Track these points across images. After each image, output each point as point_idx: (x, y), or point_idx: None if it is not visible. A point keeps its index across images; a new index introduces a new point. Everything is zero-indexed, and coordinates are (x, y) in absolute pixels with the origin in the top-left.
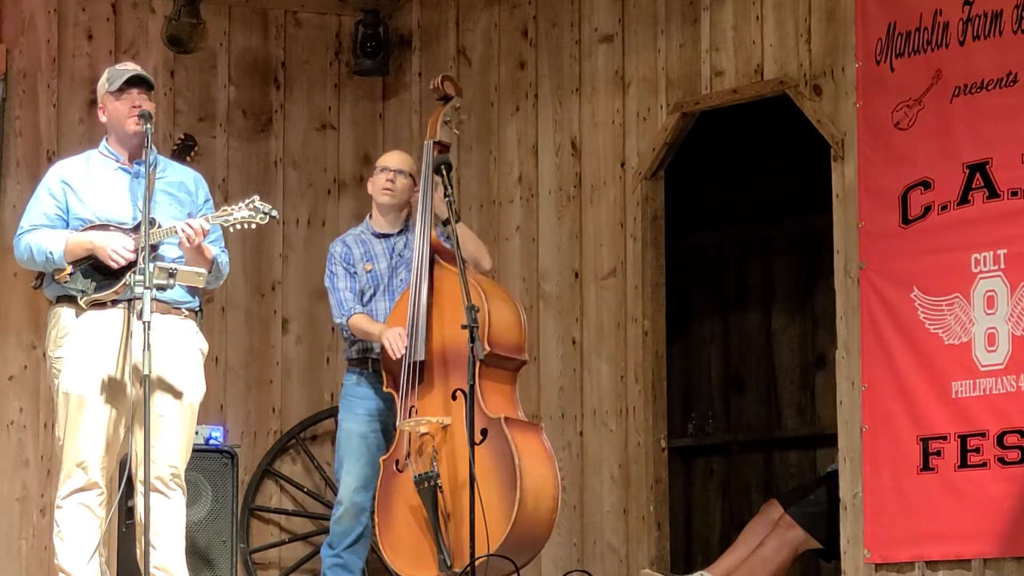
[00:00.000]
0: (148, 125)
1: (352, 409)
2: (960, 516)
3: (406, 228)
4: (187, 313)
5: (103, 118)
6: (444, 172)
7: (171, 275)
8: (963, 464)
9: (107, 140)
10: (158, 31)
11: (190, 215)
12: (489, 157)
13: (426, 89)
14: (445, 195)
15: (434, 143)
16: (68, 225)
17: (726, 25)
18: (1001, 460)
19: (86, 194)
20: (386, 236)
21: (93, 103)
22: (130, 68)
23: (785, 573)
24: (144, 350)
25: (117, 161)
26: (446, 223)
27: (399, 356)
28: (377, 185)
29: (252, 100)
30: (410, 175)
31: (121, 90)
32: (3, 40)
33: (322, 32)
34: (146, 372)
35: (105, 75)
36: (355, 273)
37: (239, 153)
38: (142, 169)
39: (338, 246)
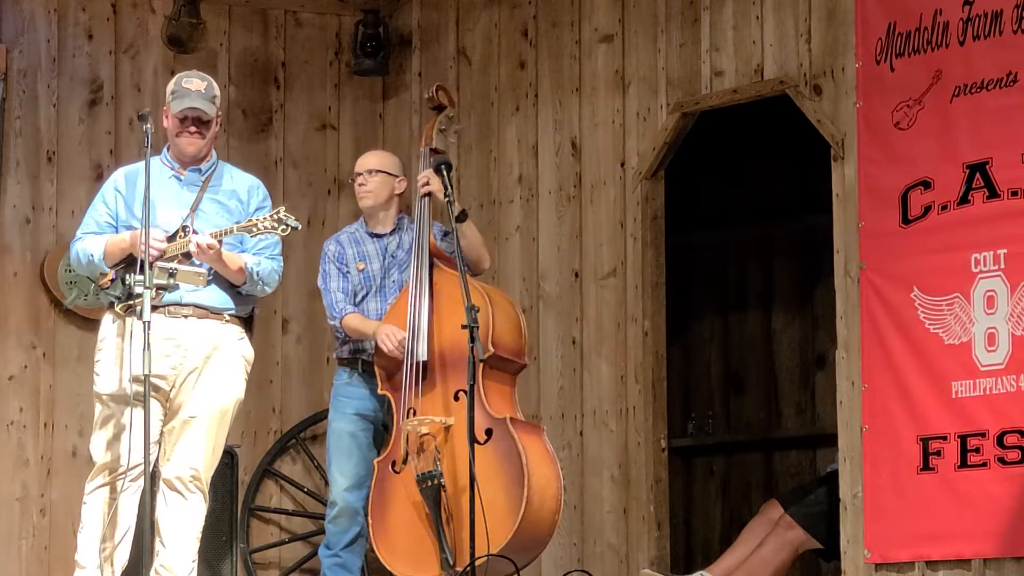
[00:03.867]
0: (148, 125)
1: (342, 409)
2: (960, 516)
3: (399, 228)
4: (228, 318)
5: (164, 123)
6: (444, 172)
7: (171, 275)
8: (963, 464)
9: (168, 148)
10: (158, 31)
11: (238, 223)
12: (489, 157)
13: (426, 89)
14: (445, 195)
15: (430, 149)
16: (118, 231)
17: (726, 25)
18: (1001, 460)
19: (135, 201)
20: (379, 236)
21: (93, 103)
22: (192, 91)
23: (785, 573)
24: (144, 350)
25: (172, 169)
26: (458, 219)
27: (391, 351)
28: (355, 192)
29: (252, 100)
30: (379, 171)
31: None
32: (3, 40)
33: (322, 32)
34: (146, 372)
35: (173, 82)
36: (347, 273)
37: (239, 153)
38: (195, 176)
39: (331, 245)
